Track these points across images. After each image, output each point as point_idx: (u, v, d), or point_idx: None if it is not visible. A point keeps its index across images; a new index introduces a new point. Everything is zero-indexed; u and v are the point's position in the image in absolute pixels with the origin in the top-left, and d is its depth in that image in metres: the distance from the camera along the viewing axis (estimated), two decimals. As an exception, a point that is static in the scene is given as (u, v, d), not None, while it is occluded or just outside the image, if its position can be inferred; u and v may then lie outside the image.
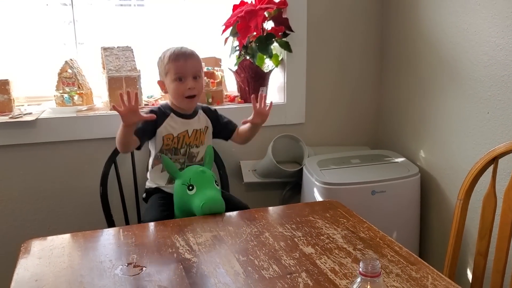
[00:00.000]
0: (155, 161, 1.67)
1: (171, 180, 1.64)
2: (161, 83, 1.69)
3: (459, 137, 1.82)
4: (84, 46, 2.09)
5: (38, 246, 1.20)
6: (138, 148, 1.64)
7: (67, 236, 1.26)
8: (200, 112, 1.73)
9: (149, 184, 1.72)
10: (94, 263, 1.11)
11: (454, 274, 1.37)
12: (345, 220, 1.34)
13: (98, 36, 2.09)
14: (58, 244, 1.21)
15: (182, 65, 1.60)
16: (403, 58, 2.10)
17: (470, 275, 1.78)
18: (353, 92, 2.24)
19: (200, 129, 1.70)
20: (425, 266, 1.07)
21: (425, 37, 1.95)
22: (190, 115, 1.69)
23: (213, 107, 1.82)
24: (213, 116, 1.76)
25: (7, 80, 1.81)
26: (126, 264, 1.10)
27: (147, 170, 1.77)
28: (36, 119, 1.77)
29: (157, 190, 1.68)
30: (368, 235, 1.25)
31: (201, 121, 1.72)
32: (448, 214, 1.90)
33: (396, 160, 2.05)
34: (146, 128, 1.59)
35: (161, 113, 1.64)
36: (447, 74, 1.85)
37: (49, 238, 1.25)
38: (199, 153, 1.69)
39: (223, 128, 1.76)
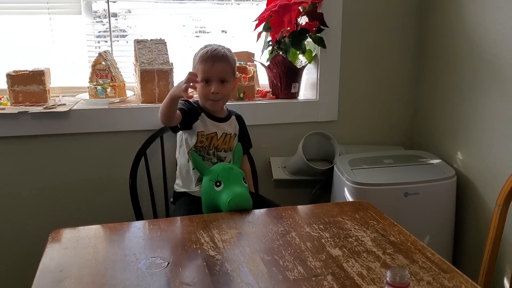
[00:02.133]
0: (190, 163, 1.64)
1: (200, 179, 1.61)
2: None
3: (500, 139, 1.73)
4: (119, 39, 2.10)
5: (65, 236, 1.21)
6: (175, 130, 1.63)
7: (94, 228, 1.27)
8: (233, 118, 1.71)
9: (177, 188, 1.70)
10: (118, 256, 1.11)
11: (490, 284, 1.31)
12: (375, 223, 1.30)
13: (133, 28, 2.11)
14: (85, 235, 1.22)
15: (209, 69, 1.58)
16: (442, 55, 2.02)
17: (507, 286, 1.70)
18: (388, 90, 2.17)
19: (230, 134, 1.68)
20: (459, 275, 1.02)
21: (466, 34, 1.87)
22: (222, 119, 1.67)
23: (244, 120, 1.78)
24: (242, 127, 1.74)
25: (42, 71, 1.84)
26: (150, 259, 1.09)
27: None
28: (70, 110, 1.79)
29: (184, 194, 1.66)
30: (398, 239, 1.20)
31: (232, 126, 1.70)
32: (485, 220, 1.82)
33: (431, 161, 1.97)
34: (188, 112, 1.58)
35: (197, 108, 1.63)
36: (488, 74, 1.77)
37: (77, 228, 1.26)
38: (226, 159, 1.67)
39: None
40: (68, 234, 1.23)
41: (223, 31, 2.23)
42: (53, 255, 1.11)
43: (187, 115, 1.59)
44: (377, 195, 1.76)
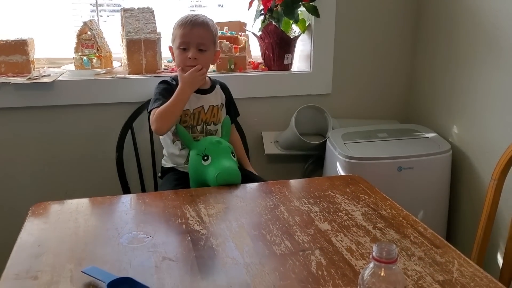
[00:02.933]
0: (174, 137, 1.58)
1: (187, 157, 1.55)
2: (171, 49, 1.61)
3: (497, 113, 1.69)
4: (104, 7, 2.03)
5: (46, 210, 1.17)
6: None
7: (76, 201, 1.23)
8: (218, 87, 1.65)
9: (165, 163, 1.65)
10: (100, 231, 1.07)
11: (483, 260, 1.28)
12: (366, 197, 1.26)
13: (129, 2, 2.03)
14: (67, 209, 1.18)
15: (187, 33, 1.51)
16: (439, 26, 1.96)
17: (500, 261, 1.68)
18: (383, 62, 2.11)
19: (217, 105, 1.62)
20: (452, 250, 0.99)
21: (463, 3, 1.80)
22: (206, 90, 1.61)
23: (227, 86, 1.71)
24: (227, 95, 1.67)
25: (25, 40, 1.77)
26: (132, 233, 1.05)
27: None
28: (54, 81, 1.72)
29: (172, 169, 1.62)
30: (390, 214, 1.16)
31: (218, 97, 1.64)
32: (480, 195, 1.78)
33: (427, 135, 1.93)
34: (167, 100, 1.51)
35: (175, 86, 1.54)
36: (486, 44, 1.71)
37: (57, 202, 1.21)
38: (218, 131, 1.62)
39: (226, 113, 1.67)
40: (49, 208, 1.18)
41: (219, 5, 2.16)
42: (32, 230, 1.07)
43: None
44: (370, 170, 1.72)
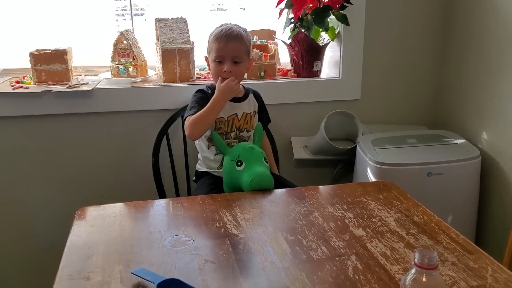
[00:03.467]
0: (209, 142, 1.64)
1: (221, 162, 1.60)
2: (207, 59, 1.67)
3: (528, 120, 1.69)
4: (139, 17, 2.10)
5: (91, 214, 1.23)
6: None
7: (118, 205, 1.29)
8: (251, 96, 1.70)
9: (199, 167, 1.71)
10: (144, 234, 1.13)
11: (515, 266, 1.29)
12: (398, 203, 1.29)
13: (153, 7, 2.09)
14: (110, 213, 1.24)
15: (222, 48, 1.57)
16: (469, 32, 1.97)
17: (531, 266, 1.68)
18: (412, 68, 2.13)
19: (250, 112, 1.67)
20: (485, 256, 1.01)
21: (493, 8, 1.81)
22: (240, 98, 1.66)
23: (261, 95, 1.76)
24: (260, 103, 1.72)
25: (65, 50, 1.84)
26: (175, 236, 1.11)
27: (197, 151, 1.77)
28: (93, 89, 1.80)
29: (206, 173, 1.67)
30: (422, 220, 1.19)
31: (251, 104, 1.69)
32: (510, 201, 1.79)
33: (456, 141, 1.94)
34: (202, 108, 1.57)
35: (210, 95, 1.60)
36: (517, 51, 1.72)
37: (102, 206, 1.27)
38: (250, 138, 1.67)
39: (258, 120, 1.72)
40: (93, 211, 1.25)
41: (241, 8, 2.20)
42: (80, 233, 1.14)
43: None
44: (400, 175, 1.74)
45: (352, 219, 1.19)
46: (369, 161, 1.79)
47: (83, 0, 2.03)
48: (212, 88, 1.61)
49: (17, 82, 1.85)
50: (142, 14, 2.12)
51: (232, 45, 1.57)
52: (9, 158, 1.85)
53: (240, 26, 1.63)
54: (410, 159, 1.79)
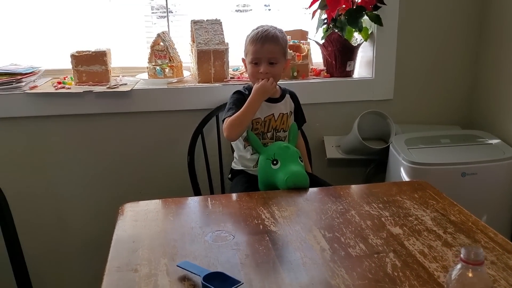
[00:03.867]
0: (246, 142, 1.67)
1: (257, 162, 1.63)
2: (244, 61, 1.71)
3: None
4: (175, 19, 2.15)
5: (134, 209, 1.28)
6: None
7: (159, 201, 1.34)
8: (287, 96, 1.73)
9: (235, 166, 1.75)
10: (186, 229, 1.17)
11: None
12: (434, 202, 1.29)
13: (189, 8, 2.14)
14: (152, 209, 1.29)
15: (258, 50, 1.60)
16: (505, 31, 1.95)
17: None
18: (446, 68, 2.12)
19: (286, 113, 1.69)
20: (524, 256, 1.02)
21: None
22: (277, 99, 1.69)
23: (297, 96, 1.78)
24: (296, 103, 1.75)
25: (104, 51, 1.91)
26: (215, 232, 1.14)
27: (232, 150, 1.81)
28: (131, 89, 1.86)
29: (242, 172, 1.71)
30: (459, 219, 1.20)
31: (287, 105, 1.71)
32: (547, 202, 1.77)
33: (490, 141, 1.93)
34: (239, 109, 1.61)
35: (247, 96, 1.63)
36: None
37: (143, 202, 1.32)
38: (286, 138, 1.69)
39: (294, 120, 1.74)
40: (136, 207, 1.30)
41: (266, 6, 2.22)
42: (125, 227, 1.18)
43: None
44: (434, 175, 1.74)
45: (389, 218, 1.21)
46: (402, 161, 1.79)
47: (120, 2, 2.09)
48: (249, 89, 1.64)
49: (59, 83, 1.92)
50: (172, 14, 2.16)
51: (268, 46, 1.60)
52: (51, 156, 1.93)
53: (276, 28, 1.66)
54: (444, 159, 1.79)
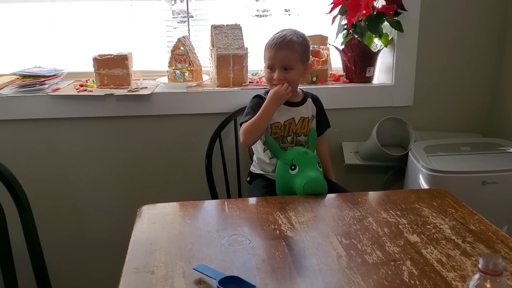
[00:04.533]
0: (265, 146, 1.67)
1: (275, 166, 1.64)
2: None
3: None
4: (195, 23, 2.17)
5: (152, 212, 1.30)
6: None
7: (177, 204, 1.35)
8: (309, 100, 1.72)
9: (254, 169, 1.75)
10: (202, 232, 1.17)
11: None
12: (453, 211, 1.28)
13: (210, 13, 2.16)
14: (170, 211, 1.30)
15: (272, 56, 1.61)
16: (529, 39, 1.92)
17: None
18: (467, 75, 2.09)
19: (308, 117, 1.69)
20: (545, 267, 1.00)
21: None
22: (298, 103, 1.69)
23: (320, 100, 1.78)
24: (319, 108, 1.74)
25: (126, 55, 1.94)
26: (232, 236, 1.15)
27: (250, 154, 1.81)
28: (151, 93, 1.88)
29: (260, 176, 1.71)
30: (479, 228, 1.18)
31: (309, 109, 1.71)
32: None
33: (512, 150, 1.90)
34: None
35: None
36: None
37: (161, 204, 1.34)
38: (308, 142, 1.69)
39: (316, 125, 1.74)
40: (154, 209, 1.31)
41: (286, 11, 2.22)
42: (143, 229, 1.20)
43: None
44: (453, 183, 1.72)
45: (406, 225, 1.20)
46: (421, 168, 1.78)
47: (142, 7, 2.12)
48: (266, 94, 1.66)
49: (81, 86, 1.95)
50: (194, 19, 2.18)
51: (281, 53, 1.60)
52: (71, 157, 1.96)
53: (297, 33, 1.64)
54: (464, 167, 1.77)
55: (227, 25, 1.99)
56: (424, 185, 1.76)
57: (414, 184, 1.83)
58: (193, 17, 2.16)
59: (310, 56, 1.76)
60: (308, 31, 2.12)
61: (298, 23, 2.17)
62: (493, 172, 1.75)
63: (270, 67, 1.64)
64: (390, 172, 2.09)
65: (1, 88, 1.91)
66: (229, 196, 1.91)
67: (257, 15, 2.22)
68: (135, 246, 1.12)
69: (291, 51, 1.61)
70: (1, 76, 2.04)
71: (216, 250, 1.08)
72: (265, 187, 1.63)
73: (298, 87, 1.74)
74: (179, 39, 1.98)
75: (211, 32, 1.99)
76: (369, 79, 2.02)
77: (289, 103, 1.66)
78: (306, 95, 1.73)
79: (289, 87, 1.62)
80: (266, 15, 2.22)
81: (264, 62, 1.68)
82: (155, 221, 1.24)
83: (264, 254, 1.07)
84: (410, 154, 1.90)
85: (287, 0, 2.17)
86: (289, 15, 2.22)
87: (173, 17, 2.15)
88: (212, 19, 2.11)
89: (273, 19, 2.19)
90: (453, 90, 2.10)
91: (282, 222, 1.23)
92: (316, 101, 1.74)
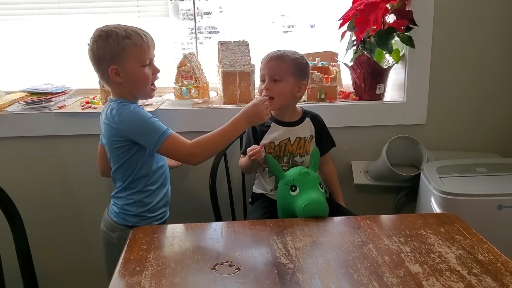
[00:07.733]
0: (263, 164, 1.63)
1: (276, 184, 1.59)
2: None
3: None
4: (202, 40, 2.15)
5: (145, 235, 1.25)
6: None
7: (172, 227, 1.31)
8: (307, 119, 1.67)
9: (255, 189, 1.71)
10: (193, 256, 1.13)
11: None
12: (461, 238, 1.20)
13: (222, 26, 2.15)
14: (163, 235, 1.26)
15: (263, 66, 1.61)
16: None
17: None
18: (483, 92, 2.00)
19: (305, 137, 1.63)
20: (557, 306, 0.91)
21: None
22: (294, 122, 1.64)
23: (322, 119, 1.71)
24: (318, 127, 1.67)
25: (132, 72, 1.92)
26: (222, 263, 1.10)
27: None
28: (155, 110, 1.86)
29: (262, 196, 1.66)
30: (487, 258, 1.10)
31: (306, 129, 1.65)
32: None
33: (532, 171, 1.79)
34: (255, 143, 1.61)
35: (263, 128, 1.62)
36: None
37: (157, 226, 1.30)
38: (304, 163, 1.63)
39: (318, 144, 1.67)
40: (148, 232, 1.27)
41: (312, 26, 2.19)
42: (133, 251, 1.16)
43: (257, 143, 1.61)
44: (467, 207, 1.63)
45: (409, 254, 1.12)
46: (433, 190, 1.69)
47: (148, 23, 2.11)
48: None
49: (87, 102, 1.95)
50: (215, 33, 2.17)
51: (271, 63, 1.58)
52: (76, 174, 1.95)
53: (295, 51, 1.61)
54: (479, 189, 1.68)
55: (234, 41, 1.96)
56: (436, 208, 1.68)
57: (426, 206, 1.75)
58: (202, 32, 2.15)
59: (310, 77, 1.70)
60: (320, 47, 2.09)
61: (315, 36, 2.15)
62: (510, 195, 1.65)
63: (262, 79, 1.61)
64: (402, 193, 2.00)
65: (9, 105, 1.92)
66: (233, 217, 1.86)
67: (284, 32, 2.20)
68: (123, 267, 1.08)
69: (281, 62, 1.57)
70: (11, 93, 2.05)
71: (203, 278, 1.03)
72: (265, 208, 1.57)
73: (298, 105, 1.68)
74: (185, 56, 1.96)
75: (218, 48, 1.96)
76: (379, 97, 1.96)
77: (285, 123, 1.61)
78: (305, 114, 1.67)
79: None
80: (288, 31, 2.20)
81: None
82: (145, 244, 1.20)
83: (254, 283, 1.02)
84: (422, 175, 1.82)
85: (311, 15, 2.16)
86: (314, 28, 2.18)
87: (189, 33, 2.14)
88: (237, 34, 2.10)
89: (297, 34, 2.17)
90: (469, 107, 2.01)
91: (278, 247, 1.17)
92: (315, 120, 1.68)
